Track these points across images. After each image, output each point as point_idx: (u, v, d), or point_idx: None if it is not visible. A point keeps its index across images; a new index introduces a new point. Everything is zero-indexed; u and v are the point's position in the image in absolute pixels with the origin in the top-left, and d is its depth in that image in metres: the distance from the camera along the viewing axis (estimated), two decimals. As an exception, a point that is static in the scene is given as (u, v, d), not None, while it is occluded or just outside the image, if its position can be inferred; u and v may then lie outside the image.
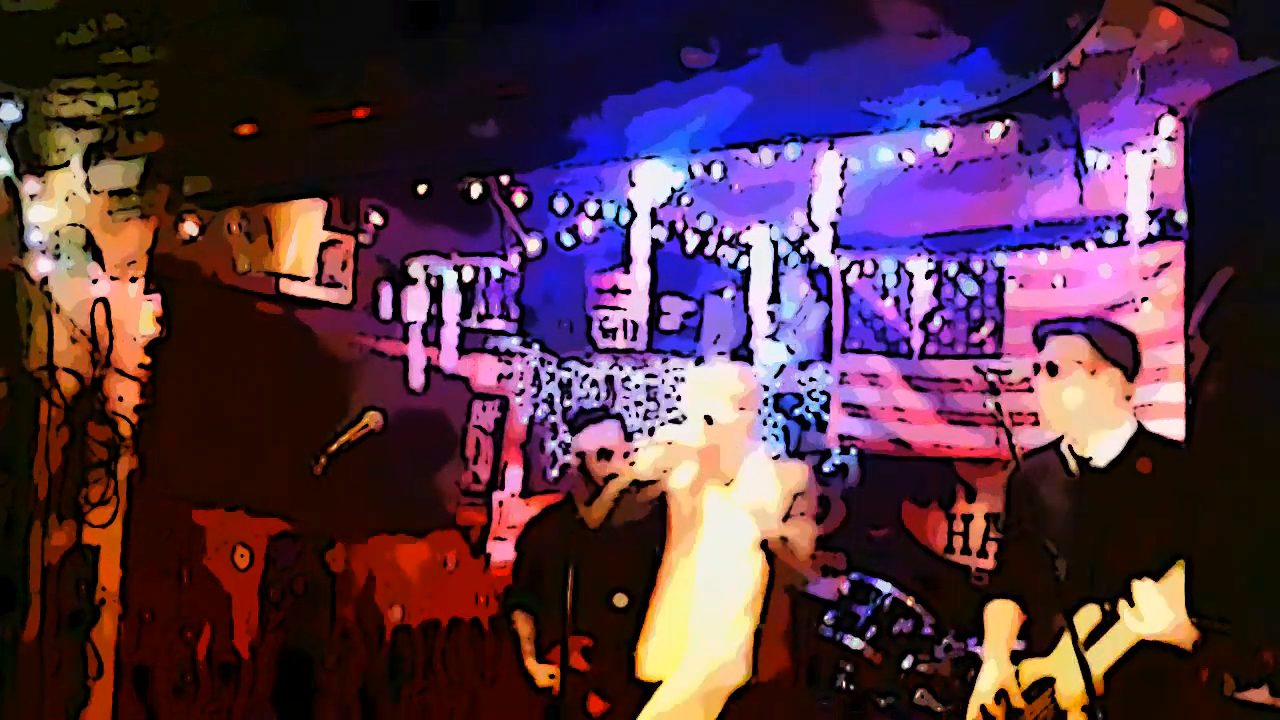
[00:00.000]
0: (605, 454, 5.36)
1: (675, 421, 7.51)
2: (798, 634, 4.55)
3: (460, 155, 4.22)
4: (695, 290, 7.77)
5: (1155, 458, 3.77)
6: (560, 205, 5.80)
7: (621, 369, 7.54)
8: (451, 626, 6.77)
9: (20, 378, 4.55)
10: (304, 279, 6.05)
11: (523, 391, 7.15)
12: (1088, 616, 3.67)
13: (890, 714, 6.03)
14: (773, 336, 7.08)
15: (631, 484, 4.25)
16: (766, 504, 4.25)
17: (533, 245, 6.15)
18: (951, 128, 4.12)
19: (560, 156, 4.10)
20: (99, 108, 4.41)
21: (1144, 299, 6.03)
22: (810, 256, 6.79)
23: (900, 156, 4.81)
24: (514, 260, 6.49)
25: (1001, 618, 4.01)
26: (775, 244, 6.64)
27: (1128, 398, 3.90)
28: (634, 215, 4.73)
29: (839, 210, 4.61)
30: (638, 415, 7.52)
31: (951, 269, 6.80)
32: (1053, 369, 3.87)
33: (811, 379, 7.70)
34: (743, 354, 7.12)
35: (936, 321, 7.00)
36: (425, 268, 6.41)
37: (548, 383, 7.27)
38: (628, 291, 7.33)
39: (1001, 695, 3.86)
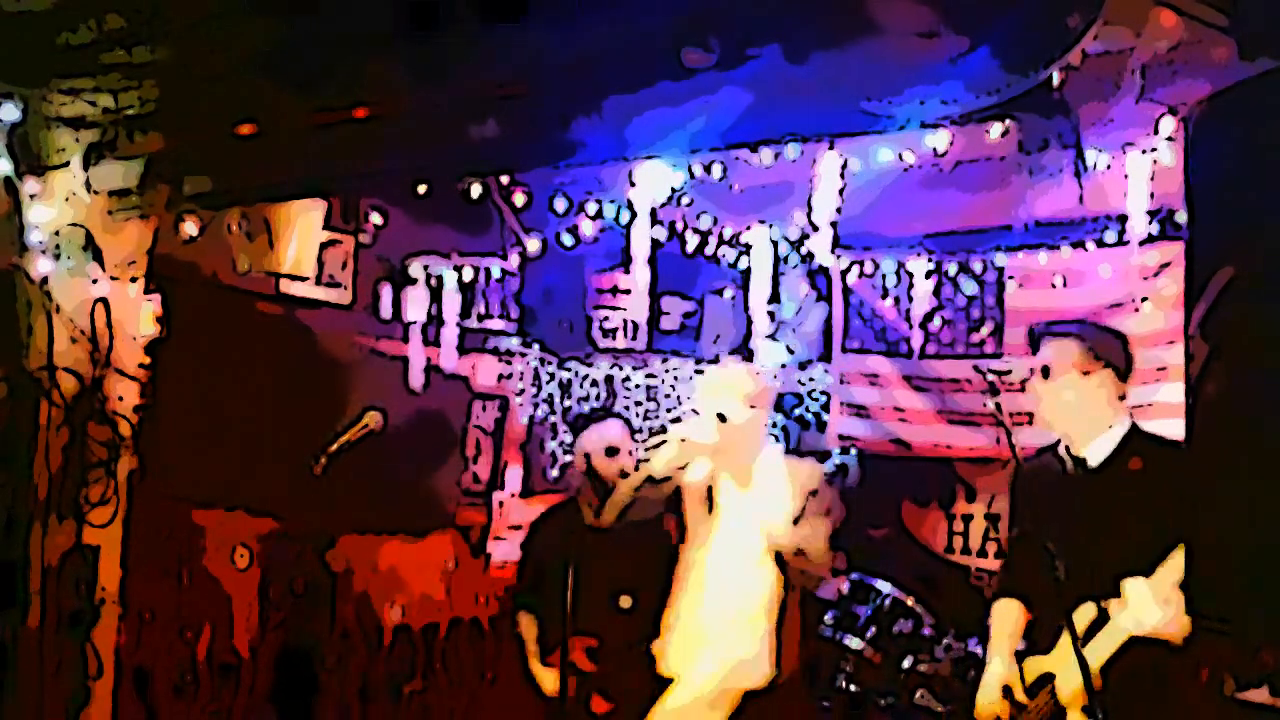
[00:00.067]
0: (613, 451, 5.35)
1: (676, 420, 7.52)
2: (806, 634, 4.55)
3: (460, 155, 4.22)
4: (695, 290, 7.77)
5: (1149, 456, 3.81)
6: (560, 205, 5.80)
7: (621, 369, 7.54)
8: (451, 626, 6.77)
9: (20, 378, 4.55)
10: (304, 279, 6.05)
11: (523, 391, 7.15)
12: (1084, 614, 3.69)
13: (890, 714, 6.03)
14: (773, 336, 7.08)
15: (646, 481, 4.27)
16: (781, 503, 4.26)
17: (533, 245, 6.15)
18: (951, 128, 4.11)
19: (560, 156, 4.10)
20: (99, 108, 4.41)
21: (1144, 299, 6.04)
22: (810, 256, 6.79)
23: (900, 156, 4.81)
24: (514, 260, 6.49)
25: (1006, 616, 4.05)
26: (775, 244, 6.64)
27: (1121, 397, 3.95)
28: (634, 215, 4.72)
29: (839, 210, 4.60)
30: (638, 415, 7.52)
31: (951, 269, 6.80)
32: (1046, 371, 3.94)
33: (811, 379, 7.70)
34: (742, 354, 7.12)
35: (936, 321, 7.00)
36: (425, 268, 6.41)
37: (548, 383, 7.27)
38: (628, 291, 7.33)
39: (1006, 692, 3.90)
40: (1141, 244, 4.96)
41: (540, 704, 5.43)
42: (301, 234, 5.97)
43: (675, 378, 7.67)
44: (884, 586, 6.19)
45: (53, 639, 4.57)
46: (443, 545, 6.79)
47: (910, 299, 6.93)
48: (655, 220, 4.88)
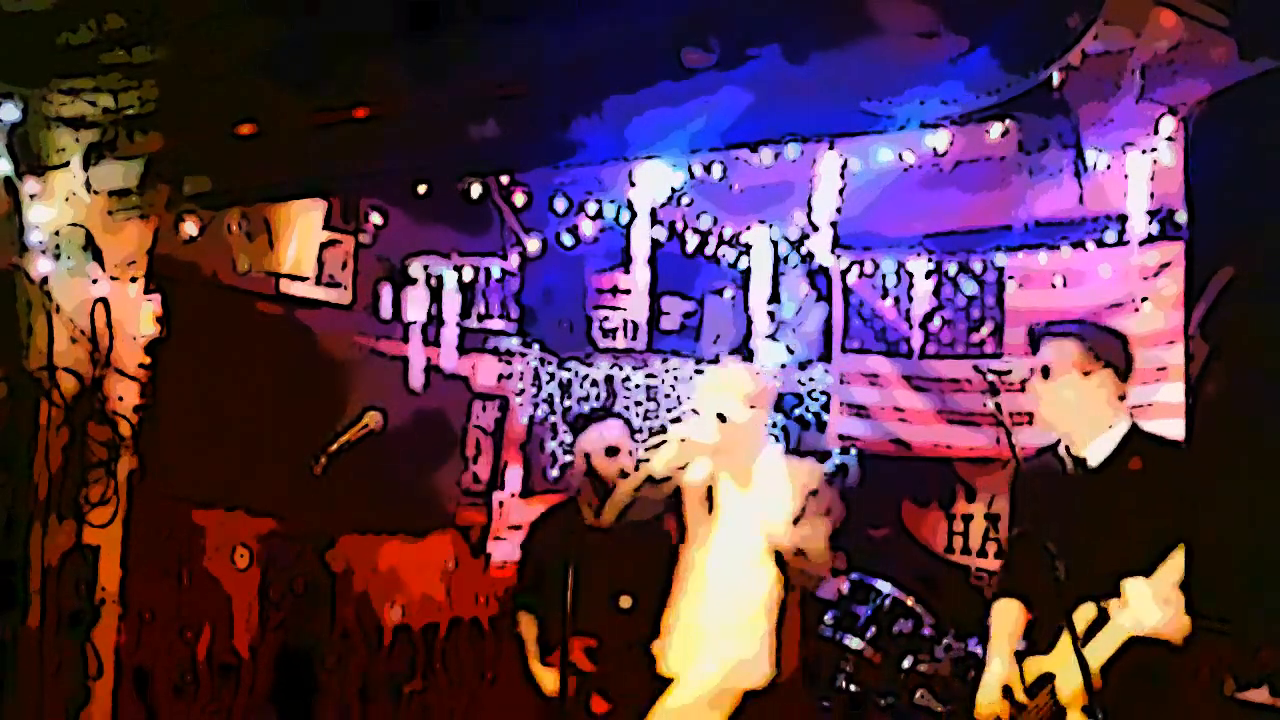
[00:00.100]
0: (613, 451, 5.35)
1: (676, 421, 7.52)
2: (806, 634, 4.56)
3: (460, 155, 4.22)
4: (695, 290, 7.77)
5: (1149, 456, 3.82)
6: (560, 205, 5.80)
7: (621, 369, 7.54)
8: (451, 626, 6.77)
9: (20, 378, 4.55)
10: (304, 279, 6.05)
11: (523, 391, 7.15)
12: (1084, 614, 3.70)
13: (890, 714, 6.03)
14: (773, 336, 7.08)
15: (646, 481, 4.27)
16: (782, 503, 4.26)
17: (533, 245, 6.14)
18: (951, 128, 4.11)
19: (560, 156, 4.10)
20: (99, 108, 4.41)
21: (1144, 299, 6.04)
22: (810, 256, 6.79)
23: (900, 156, 4.81)
24: (514, 260, 6.49)
25: (1006, 616, 4.06)
26: (775, 244, 6.64)
27: (1121, 397, 3.96)
28: (634, 215, 4.72)
29: (839, 210, 4.61)
30: (638, 415, 7.52)
31: (951, 269, 6.80)
32: (1046, 371, 3.96)
33: (811, 379, 7.70)
34: (742, 354, 7.12)
35: (936, 321, 7.00)
36: (425, 268, 6.40)
37: (548, 383, 7.27)
38: (628, 291, 7.33)
39: (1006, 692, 3.91)
40: (1141, 244, 4.96)
41: (540, 704, 5.43)
42: (301, 234, 5.97)
43: (675, 378, 7.67)
44: (884, 586, 6.19)
45: (53, 639, 4.57)
46: (443, 545, 6.79)
47: (910, 299, 6.93)
48: (655, 220, 4.88)
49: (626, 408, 7.47)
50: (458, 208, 5.39)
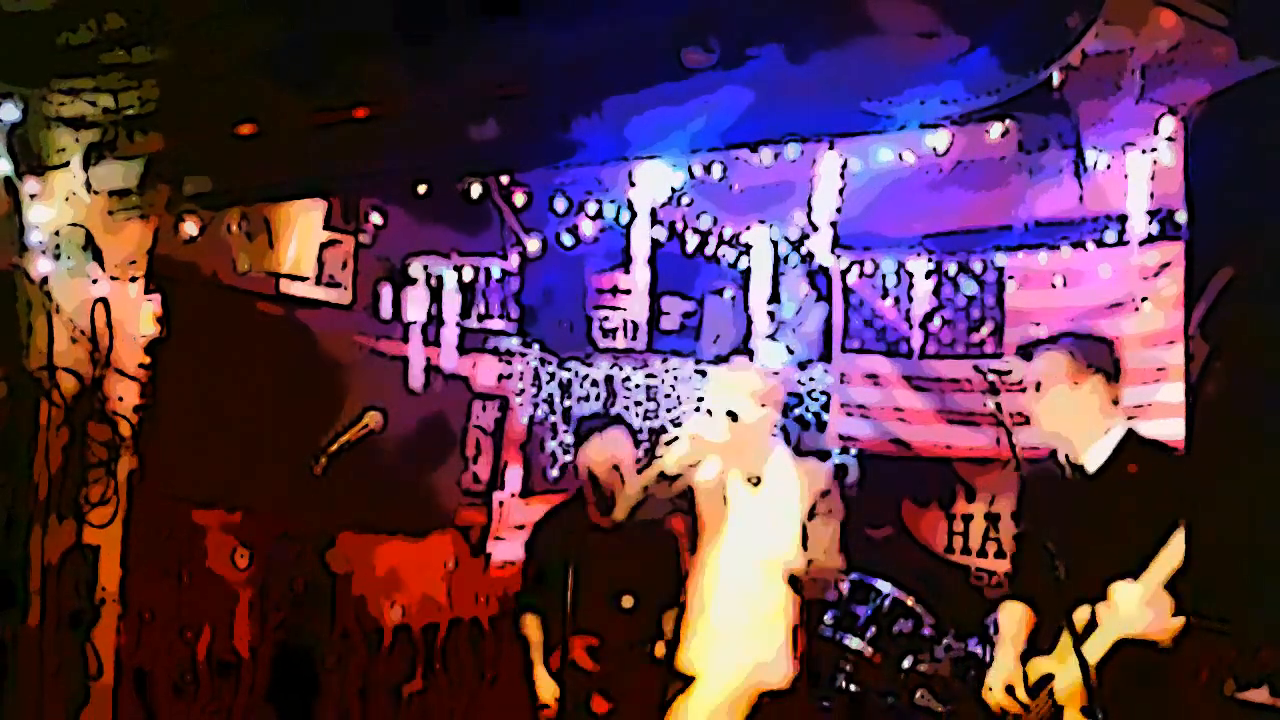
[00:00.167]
0: (618, 470, 5.38)
1: (676, 421, 7.53)
2: (807, 634, 4.57)
3: (460, 155, 4.22)
4: (695, 290, 7.77)
5: (1146, 460, 3.85)
6: (560, 205, 5.80)
7: (621, 369, 7.54)
8: (451, 626, 6.77)
9: (20, 378, 4.55)
10: (304, 279, 6.05)
11: (523, 391, 7.15)
12: (1081, 616, 3.72)
13: (890, 714, 6.03)
14: (773, 336, 7.08)
15: (658, 478, 4.29)
16: (792, 503, 4.30)
17: (533, 245, 6.15)
18: (951, 128, 4.12)
19: (560, 156, 4.10)
20: (99, 108, 4.41)
21: (1144, 299, 6.04)
22: (810, 256, 6.80)
23: (900, 156, 4.81)
24: (514, 260, 6.49)
25: (1012, 618, 4.11)
26: (775, 244, 6.64)
27: (1115, 401, 4.00)
28: (634, 215, 4.72)
29: (839, 210, 4.61)
30: (638, 415, 7.52)
31: (951, 269, 6.80)
32: (1038, 386, 4.02)
33: (811, 379, 7.70)
34: (742, 354, 7.12)
35: (936, 321, 7.01)
36: (425, 268, 6.40)
37: (548, 383, 7.27)
38: (628, 291, 7.33)
39: (1009, 691, 3.96)
40: (1141, 244, 4.96)
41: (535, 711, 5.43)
42: (301, 234, 5.97)
43: (675, 378, 7.67)
44: (884, 586, 6.19)
45: (53, 639, 4.57)
46: (443, 545, 6.79)
47: (910, 299, 6.94)
48: (655, 220, 4.88)
49: (626, 408, 7.47)
50: (458, 208, 5.39)
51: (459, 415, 6.88)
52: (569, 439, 7.09)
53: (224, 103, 4.24)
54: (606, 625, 5.27)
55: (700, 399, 7.53)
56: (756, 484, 4.41)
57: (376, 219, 6.09)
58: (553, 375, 7.30)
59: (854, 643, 6.08)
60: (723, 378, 4.55)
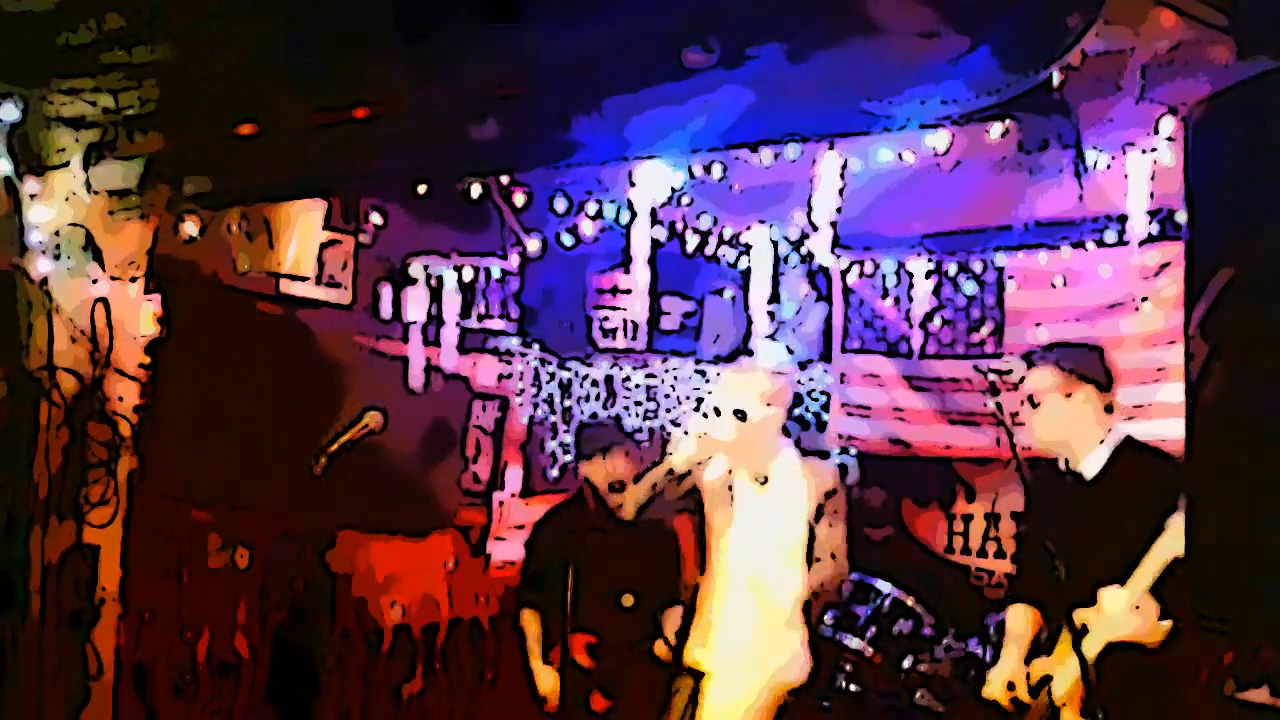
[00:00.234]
0: (618, 487, 5.39)
1: (676, 422, 7.54)
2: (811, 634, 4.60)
3: (460, 155, 4.22)
4: (695, 290, 7.77)
5: (1142, 466, 3.89)
6: (560, 205, 5.79)
7: (621, 369, 7.54)
8: (451, 626, 6.77)
9: (20, 378, 4.55)
10: (304, 279, 6.05)
11: (523, 391, 7.14)
12: (1078, 618, 3.76)
13: (890, 714, 6.03)
14: (773, 336, 7.08)
15: (666, 475, 4.31)
16: (798, 503, 4.33)
17: (533, 245, 6.15)
18: (951, 128, 4.11)
19: (560, 156, 4.10)
20: (99, 108, 4.41)
21: (1144, 299, 6.04)
22: (810, 256, 6.79)
23: (900, 156, 4.80)
24: (514, 260, 6.49)
25: (1020, 618, 4.17)
26: (775, 244, 6.63)
27: (1109, 408, 4.04)
28: (634, 215, 4.72)
29: (839, 210, 4.61)
30: (638, 415, 7.52)
31: (951, 269, 6.80)
32: (1032, 401, 4.09)
33: (811, 379, 7.70)
34: (741, 354, 7.12)
35: (936, 321, 7.00)
36: (425, 268, 6.40)
37: (548, 383, 7.27)
38: (628, 291, 7.32)
39: (1011, 689, 4.02)
40: (1141, 244, 4.96)
41: (540, 704, 5.44)
42: (301, 234, 5.97)
43: (675, 378, 7.67)
44: (884, 586, 6.19)
45: (53, 639, 4.57)
46: (443, 545, 6.79)
47: (910, 299, 6.93)
48: (655, 220, 4.88)
49: (626, 408, 7.47)
50: (458, 208, 5.39)
51: (459, 415, 6.88)
52: (569, 439, 7.09)
53: (224, 103, 4.24)
54: (606, 624, 5.27)
55: (700, 399, 7.55)
56: (763, 483, 4.43)
57: (376, 219, 6.08)
58: (553, 375, 7.29)
59: (854, 643, 6.08)
60: (731, 377, 4.58)
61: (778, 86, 3.47)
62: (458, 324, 6.46)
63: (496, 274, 6.69)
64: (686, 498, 4.47)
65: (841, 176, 4.61)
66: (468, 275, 6.48)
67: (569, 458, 6.96)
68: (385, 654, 6.48)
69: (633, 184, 4.58)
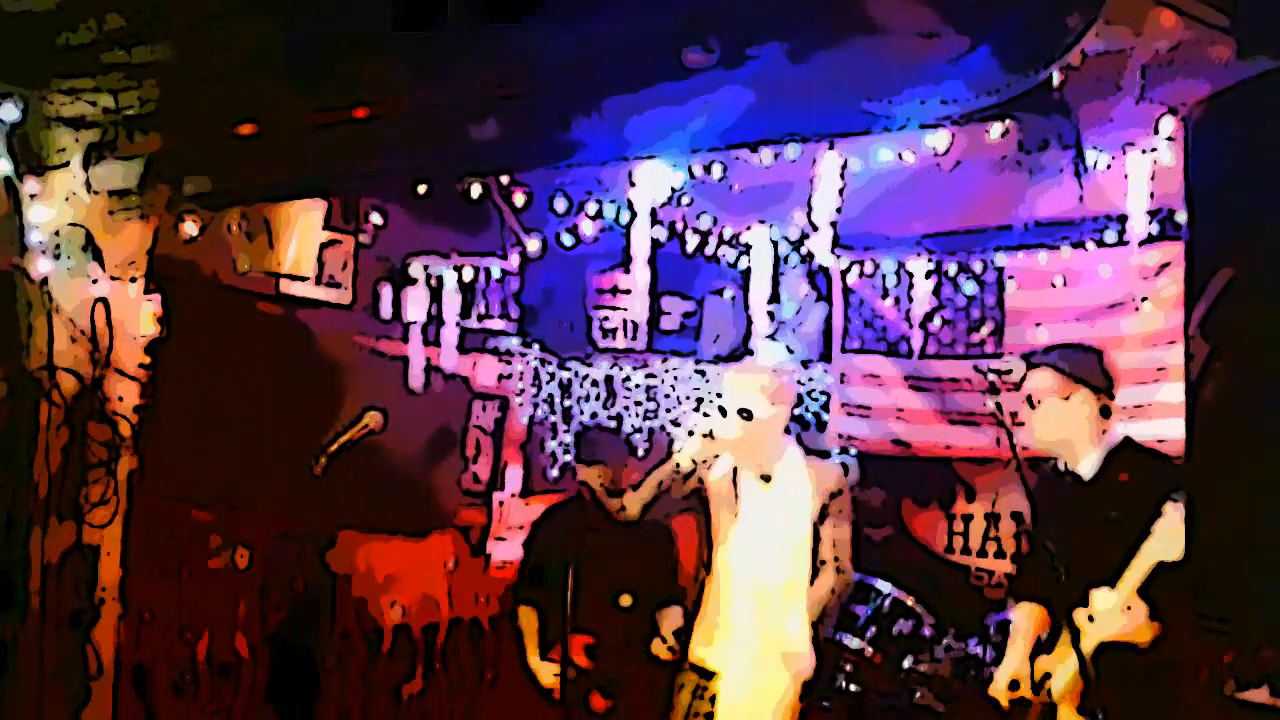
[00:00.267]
0: (615, 491, 5.40)
1: (676, 422, 7.54)
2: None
3: (460, 155, 4.22)
4: (695, 290, 7.77)
5: (1140, 467, 3.92)
6: (560, 205, 5.79)
7: (621, 369, 7.54)
8: (451, 626, 6.77)
9: (20, 378, 4.55)
10: (304, 279, 6.05)
11: (523, 391, 7.15)
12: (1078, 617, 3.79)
13: (890, 714, 6.03)
14: (773, 336, 7.08)
15: (672, 474, 4.32)
16: (803, 503, 4.35)
17: (533, 245, 6.14)
18: (951, 128, 4.12)
19: (560, 156, 4.10)
20: (99, 108, 4.41)
21: (1144, 299, 6.04)
22: (810, 256, 6.79)
23: (900, 156, 4.80)
24: (514, 260, 6.49)
25: (1026, 616, 4.21)
26: (775, 244, 6.63)
27: (1106, 411, 4.06)
28: (634, 215, 4.72)
29: (839, 210, 4.61)
30: (638, 415, 7.52)
31: (951, 269, 6.80)
32: (1031, 403, 4.13)
33: (811, 379, 7.69)
34: (741, 354, 7.11)
35: (936, 321, 7.00)
36: (425, 268, 6.41)
37: (548, 383, 7.27)
38: (628, 291, 7.32)
39: (1014, 686, 4.07)
40: (1141, 244, 4.96)
41: (540, 704, 5.44)
42: (301, 234, 5.97)
43: (675, 378, 7.67)
44: (884, 586, 6.19)
45: (53, 639, 4.57)
46: (443, 545, 6.79)
47: (910, 299, 6.93)
48: (655, 220, 4.88)
49: (626, 408, 7.47)
50: (458, 208, 5.39)
51: (459, 415, 6.89)
52: (569, 438, 7.10)
53: (224, 103, 4.24)
54: (604, 624, 5.27)
55: (700, 398, 7.55)
56: (768, 481, 4.44)
57: (376, 219, 6.09)
58: (553, 375, 7.30)
59: (854, 643, 6.08)
60: (735, 376, 4.59)
61: (778, 86, 3.47)
62: (458, 324, 6.46)
63: (496, 274, 6.69)
64: (691, 496, 4.48)
65: (841, 176, 4.61)
66: (468, 275, 6.48)
67: (569, 458, 6.96)
68: (385, 654, 6.48)
69: (633, 184, 4.58)
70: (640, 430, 7.48)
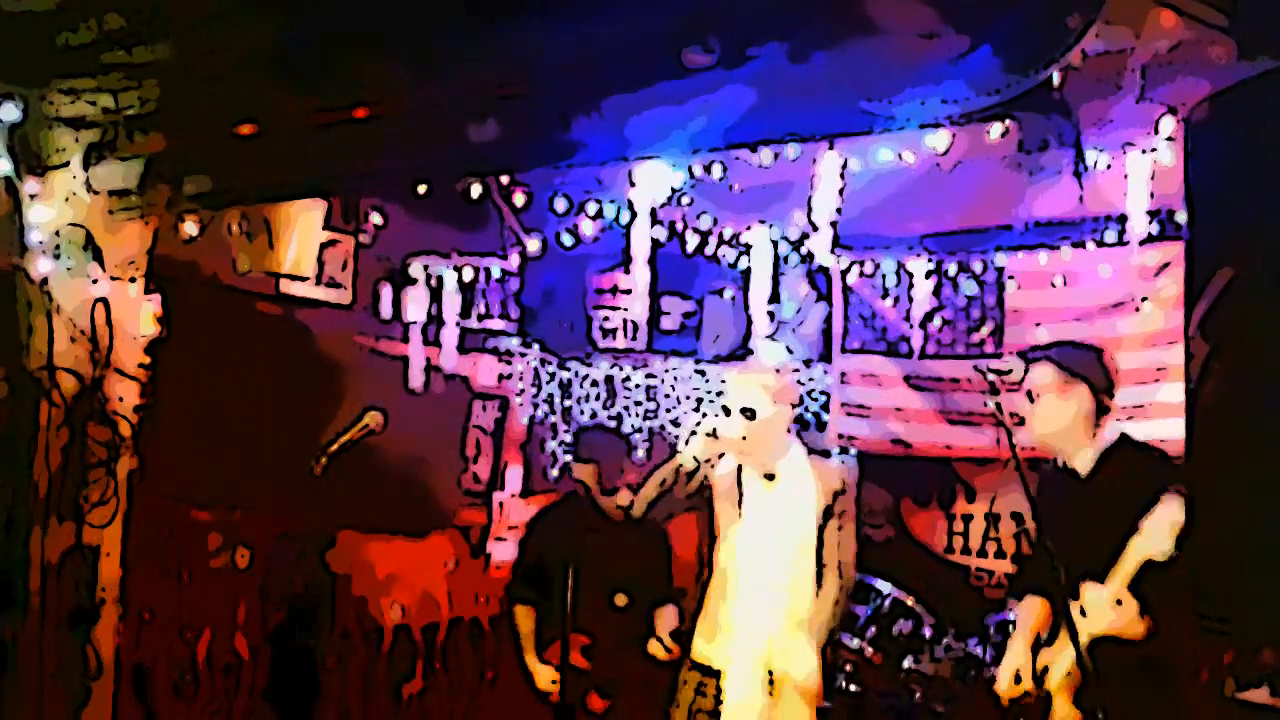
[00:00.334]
0: (610, 489, 5.40)
1: (675, 423, 7.54)
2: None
3: (460, 155, 4.22)
4: (695, 290, 7.77)
5: (1137, 462, 3.94)
6: (560, 205, 5.80)
7: (621, 369, 7.54)
8: (451, 626, 6.77)
9: (20, 378, 4.55)
10: (304, 279, 6.05)
11: (523, 391, 7.15)
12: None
13: (890, 714, 6.02)
14: (773, 336, 7.08)
15: (675, 473, 4.32)
16: (807, 502, 4.36)
17: (533, 245, 6.15)
18: (951, 128, 4.12)
19: (560, 156, 4.10)
20: (99, 108, 4.41)
21: (1144, 299, 6.04)
22: (810, 256, 6.79)
23: (900, 156, 4.81)
24: (514, 260, 6.49)
25: (1030, 609, 4.23)
26: (775, 244, 6.63)
27: (1104, 408, 4.07)
28: (634, 215, 4.72)
29: (839, 210, 4.61)
30: (638, 415, 7.52)
31: (951, 269, 6.80)
32: (1030, 396, 4.14)
33: (811, 379, 7.69)
34: (741, 354, 7.11)
35: (936, 321, 7.00)
36: (425, 268, 6.41)
37: (548, 383, 7.27)
38: (628, 291, 7.32)
39: (1017, 679, 4.08)
40: (1141, 244, 4.96)
41: (540, 704, 5.44)
42: (301, 234, 5.96)
43: (675, 378, 7.67)
44: (884, 586, 6.18)
45: (53, 639, 4.57)
46: (443, 545, 6.79)
47: (910, 299, 6.93)
48: (655, 220, 4.88)
49: (626, 408, 7.48)
50: (458, 208, 5.39)
51: (459, 415, 6.88)
52: (569, 438, 7.10)
53: (224, 103, 4.24)
54: (600, 624, 5.27)
55: (700, 398, 7.55)
56: (771, 480, 4.45)
57: (376, 219, 6.09)
58: (553, 375, 7.29)
59: (854, 643, 6.08)
60: (738, 376, 4.59)
61: (778, 86, 3.47)
62: (458, 324, 6.46)
63: (496, 274, 6.69)
64: (695, 495, 4.49)
65: (841, 176, 4.60)
66: (468, 275, 6.48)
67: (569, 458, 6.96)
68: (385, 654, 6.48)
69: (633, 184, 4.58)
70: (640, 430, 7.48)
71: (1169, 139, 4.36)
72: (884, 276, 7.01)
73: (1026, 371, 4.20)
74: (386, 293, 6.39)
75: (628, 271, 4.93)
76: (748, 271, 6.66)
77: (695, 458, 4.31)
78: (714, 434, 4.29)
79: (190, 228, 4.95)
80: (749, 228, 6.60)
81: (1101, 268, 6.30)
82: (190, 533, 5.68)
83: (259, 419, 5.64)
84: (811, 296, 7.69)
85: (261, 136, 4.30)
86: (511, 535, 6.84)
